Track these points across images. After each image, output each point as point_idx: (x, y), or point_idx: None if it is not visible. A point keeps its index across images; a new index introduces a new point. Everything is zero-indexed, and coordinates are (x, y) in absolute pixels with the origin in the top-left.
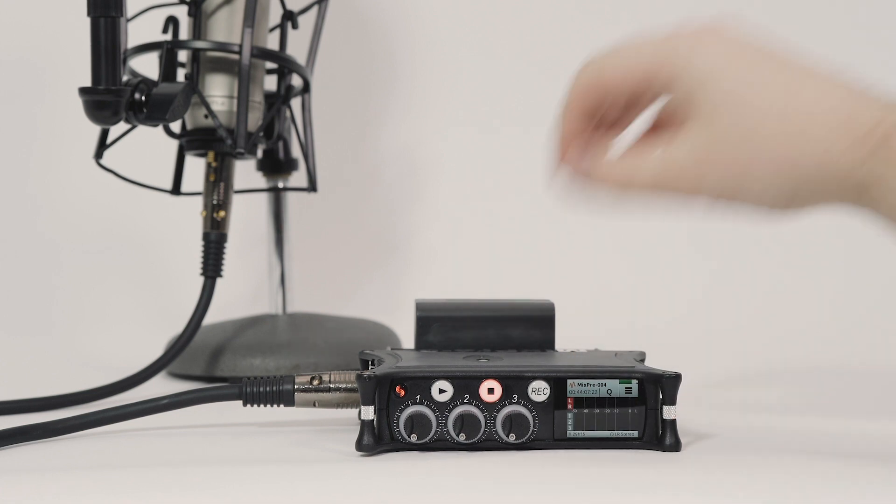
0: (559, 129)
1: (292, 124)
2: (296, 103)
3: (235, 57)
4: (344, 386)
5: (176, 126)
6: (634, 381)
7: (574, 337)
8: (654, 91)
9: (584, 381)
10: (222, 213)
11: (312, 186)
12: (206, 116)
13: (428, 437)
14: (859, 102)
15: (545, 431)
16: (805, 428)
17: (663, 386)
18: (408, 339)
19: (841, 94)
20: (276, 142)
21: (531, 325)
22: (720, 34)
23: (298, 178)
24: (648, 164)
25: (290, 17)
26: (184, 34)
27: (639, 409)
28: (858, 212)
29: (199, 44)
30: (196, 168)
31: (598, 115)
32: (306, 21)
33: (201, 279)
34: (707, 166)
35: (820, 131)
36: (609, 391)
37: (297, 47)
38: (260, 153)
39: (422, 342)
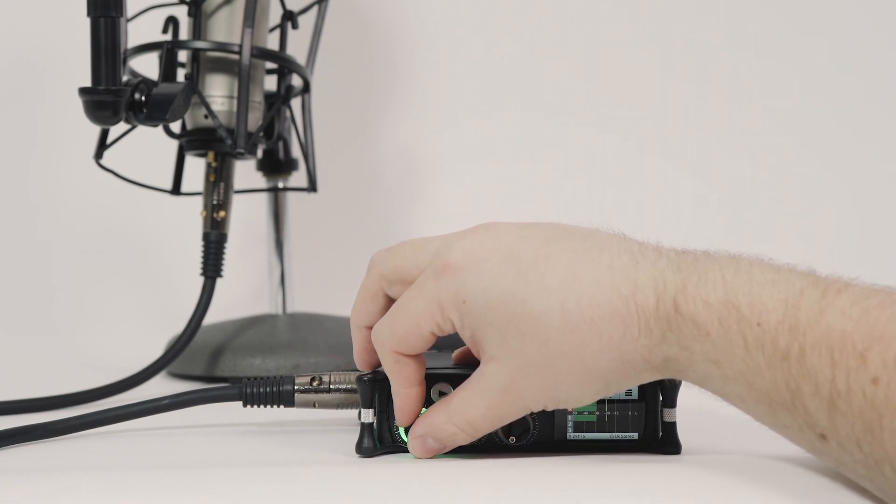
0: (399, 404)
1: (292, 124)
2: (296, 103)
3: (235, 57)
4: (344, 387)
5: (176, 126)
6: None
7: None
8: (450, 329)
9: None
10: (222, 213)
11: (312, 186)
12: (206, 116)
13: None
14: (637, 274)
15: (545, 434)
16: None
17: (663, 388)
18: None
19: (617, 274)
20: (276, 142)
21: None
22: (472, 268)
23: (298, 178)
24: (475, 412)
25: (290, 17)
26: (184, 34)
27: (639, 412)
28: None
29: (199, 44)
30: (196, 168)
31: (421, 368)
32: (306, 21)
33: (201, 279)
34: (520, 392)
35: (608, 326)
36: None
37: (297, 47)
38: (260, 153)
39: None
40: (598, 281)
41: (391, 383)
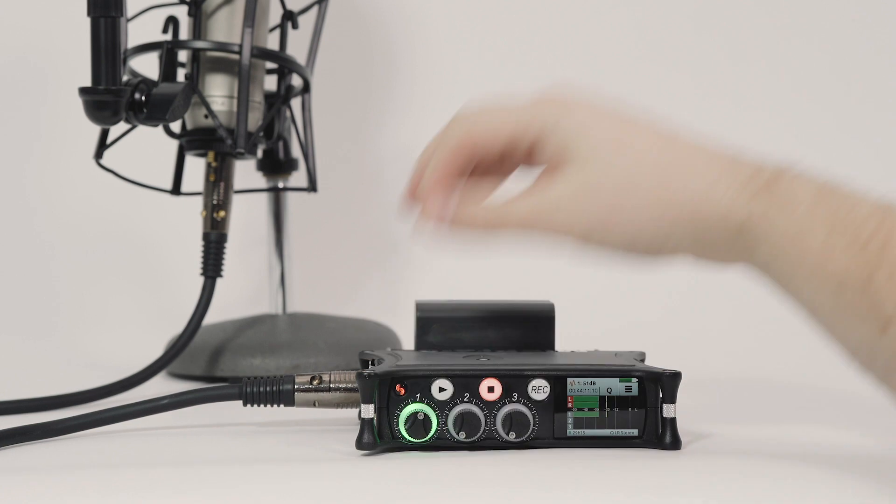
0: (425, 181)
1: (292, 124)
2: (296, 103)
3: (235, 57)
4: (344, 386)
5: (176, 126)
6: (634, 380)
7: (574, 337)
8: (524, 148)
9: (585, 380)
10: (222, 213)
11: (312, 186)
12: (206, 116)
13: (429, 436)
14: (738, 153)
15: (545, 430)
16: (805, 427)
17: (663, 384)
18: (408, 339)
19: (717, 147)
20: (276, 142)
21: (531, 326)
22: (582, 102)
23: (298, 178)
24: (520, 205)
25: (290, 17)
26: (184, 34)
27: (639, 408)
28: (729, 267)
29: (199, 44)
30: (196, 168)
31: (468, 171)
32: (306, 21)
33: (201, 279)
34: (580, 205)
35: (700, 174)
36: (609, 390)
37: (297, 47)
38: (260, 153)
39: (422, 342)
40: (702, 140)
41: (429, 166)
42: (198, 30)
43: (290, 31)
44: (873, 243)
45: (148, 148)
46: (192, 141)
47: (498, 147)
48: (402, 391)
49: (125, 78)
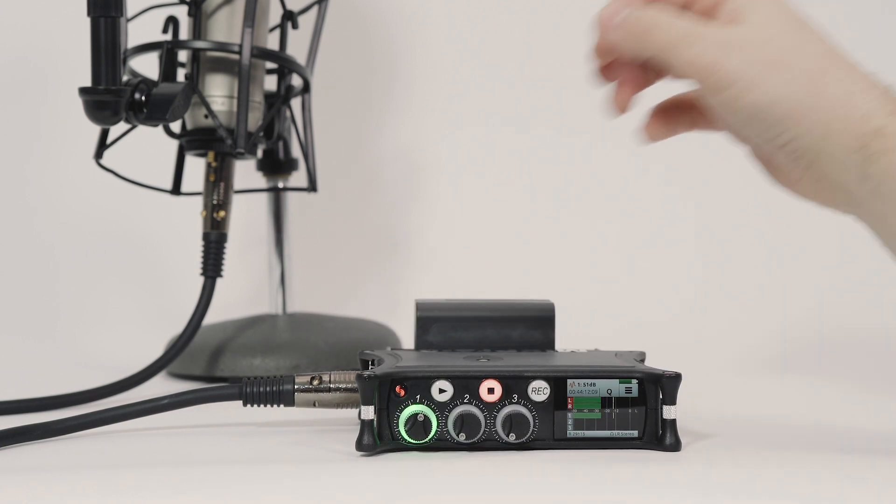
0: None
1: (292, 124)
2: (296, 103)
3: (235, 57)
4: (344, 386)
5: (176, 126)
6: (634, 381)
7: (574, 337)
8: None
9: (585, 381)
10: (222, 213)
11: (312, 186)
12: (206, 116)
13: (429, 437)
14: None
15: (545, 431)
16: (805, 426)
17: (663, 386)
18: (408, 339)
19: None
20: (276, 142)
21: (531, 326)
22: None
23: (298, 178)
24: (676, 25)
25: (290, 17)
26: (184, 34)
27: (639, 409)
28: (848, 205)
29: (199, 44)
30: (196, 168)
31: None
32: (306, 21)
33: (201, 279)
34: (734, 52)
35: (852, 78)
36: (609, 391)
37: (297, 47)
38: (260, 153)
39: (422, 342)
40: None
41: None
42: (198, 30)
43: (290, 31)
44: None
45: (148, 148)
46: (192, 141)
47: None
48: (402, 392)
49: (125, 78)
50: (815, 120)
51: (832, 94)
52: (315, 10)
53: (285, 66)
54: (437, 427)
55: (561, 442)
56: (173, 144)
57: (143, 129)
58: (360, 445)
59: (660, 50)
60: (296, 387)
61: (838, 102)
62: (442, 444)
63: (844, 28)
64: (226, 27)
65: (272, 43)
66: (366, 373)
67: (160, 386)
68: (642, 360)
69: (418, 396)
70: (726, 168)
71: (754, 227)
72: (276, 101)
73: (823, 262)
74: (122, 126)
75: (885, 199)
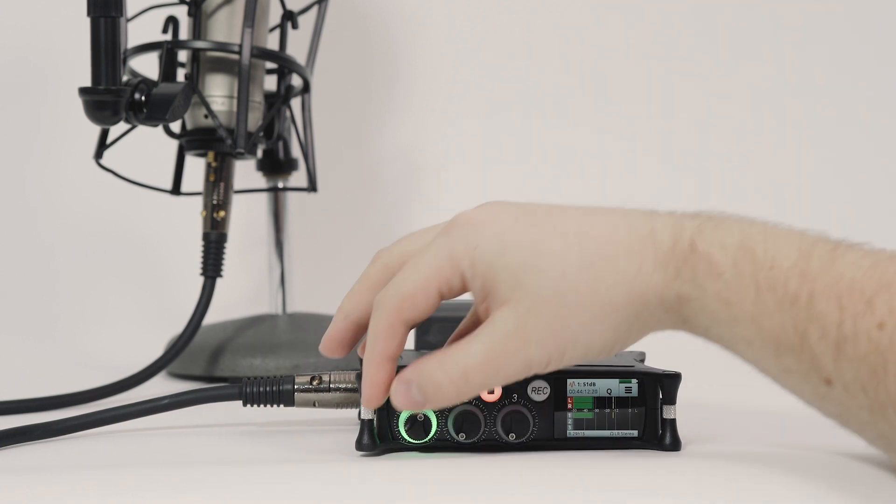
0: (368, 377)
1: (292, 124)
2: (296, 103)
3: (235, 57)
4: (344, 386)
5: (176, 126)
6: (634, 381)
7: None
8: (458, 292)
9: (584, 381)
10: (222, 213)
11: (312, 186)
12: (206, 116)
13: (428, 437)
14: (654, 219)
15: (545, 431)
16: (806, 427)
17: (663, 385)
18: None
19: (633, 217)
20: (276, 142)
21: None
22: (487, 221)
23: (298, 178)
24: (472, 354)
25: (290, 17)
26: (184, 34)
27: (639, 409)
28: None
29: (199, 44)
30: (196, 168)
31: (405, 339)
32: (306, 21)
33: (201, 279)
34: (526, 337)
35: (623, 268)
36: (609, 391)
37: (297, 47)
38: (260, 153)
39: (422, 342)
40: (615, 224)
41: (368, 352)
42: (198, 30)
43: (290, 31)
44: (802, 297)
45: (148, 148)
46: (192, 141)
47: (433, 300)
48: None
49: (125, 78)
50: (626, 326)
51: (620, 299)
52: (315, 10)
53: (285, 66)
54: (437, 427)
55: (561, 442)
56: (173, 144)
57: (143, 129)
58: (359, 445)
59: (482, 385)
60: (296, 387)
61: (630, 300)
62: (442, 444)
63: (844, 28)
64: (226, 27)
65: (272, 43)
66: None
67: (160, 386)
68: (642, 360)
69: None
70: (728, 168)
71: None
72: (276, 101)
73: None
74: (122, 126)
75: (721, 337)
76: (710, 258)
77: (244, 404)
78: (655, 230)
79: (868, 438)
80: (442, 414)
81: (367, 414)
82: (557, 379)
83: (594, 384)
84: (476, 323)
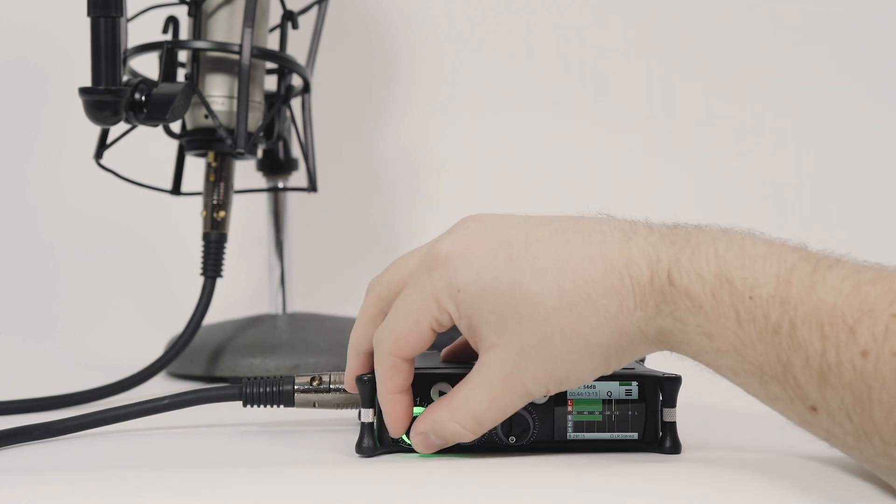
0: (387, 412)
1: (292, 124)
2: (296, 103)
3: (235, 57)
4: (344, 386)
5: (176, 126)
6: (634, 383)
7: None
8: (448, 326)
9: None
10: (222, 213)
11: (312, 186)
12: (206, 116)
13: None
14: (630, 246)
15: (545, 433)
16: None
17: (663, 388)
18: None
19: (610, 246)
20: (276, 142)
21: None
22: (463, 255)
23: (298, 178)
24: (478, 402)
25: (290, 17)
26: (184, 34)
27: (639, 412)
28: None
29: (199, 44)
30: (196, 168)
31: (411, 371)
32: (306, 21)
33: (201, 279)
34: (522, 377)
35: (603, 307)
36: (609, 393)
37: (297, 47)
38: (260, 153)
39: None
40: (592, 257)
41: (380, 390)
42: (198, 30)
43: (290, 31)
44: (783, 327)
45: (148, 148)
46: (192, 141)
47: (428, 337)
48: None
49: (125, 78)
50: (614, 360)
51: (603, 339)
52: (315, 10)
53: (285, 66)
54: None
55: (561, 444)
56: (173, 144)
57: (143, 129)
58: (359, 448)
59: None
60: (296, 387)
61: (614, 339)
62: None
63: (844, 28)
64: (226, 27)
65: (272, 43)
66: (366, 376)
67: (160, 386)
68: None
69: (418, 398)
70: (728, 167)
71: (757, 228)
72: (276, 101)
73: None
74: (122, 126)
75: (709, 364)
76: (688, 291)
77: (244, 405)
78: (632, 262)
79: (857, 461)
80: None
81: (368, 417)
82: None
83: (594, 386)
84: (469, 343)
